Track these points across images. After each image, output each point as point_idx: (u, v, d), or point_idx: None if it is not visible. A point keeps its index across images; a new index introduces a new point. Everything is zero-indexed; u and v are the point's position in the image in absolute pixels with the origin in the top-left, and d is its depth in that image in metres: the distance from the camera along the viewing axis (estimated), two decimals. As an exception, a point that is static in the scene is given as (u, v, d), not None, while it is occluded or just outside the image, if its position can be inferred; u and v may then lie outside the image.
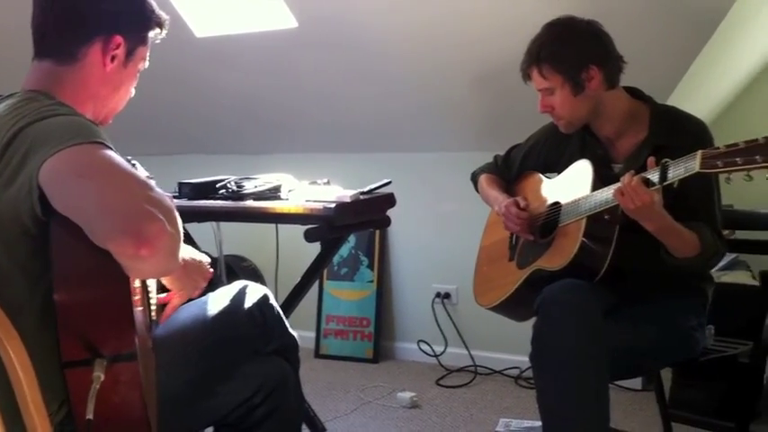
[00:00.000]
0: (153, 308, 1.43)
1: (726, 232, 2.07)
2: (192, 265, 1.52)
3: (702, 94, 3.31)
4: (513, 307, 2.22)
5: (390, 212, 3.79)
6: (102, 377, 1.15)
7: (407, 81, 3.38)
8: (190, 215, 2.40)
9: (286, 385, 1.70)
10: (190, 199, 2.41)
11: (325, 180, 2.43)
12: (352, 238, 3.93)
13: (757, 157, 1.61)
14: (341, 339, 3.90)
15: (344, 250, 3.94)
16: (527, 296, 2.03)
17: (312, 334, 3.96)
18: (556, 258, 2.04)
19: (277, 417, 1.67)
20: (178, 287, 1.51)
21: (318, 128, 3.83)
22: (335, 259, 3.96)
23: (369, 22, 3.19)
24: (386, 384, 3.44)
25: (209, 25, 3.53)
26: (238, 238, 3.79)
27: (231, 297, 1.69)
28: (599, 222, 1.96)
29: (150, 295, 1.41)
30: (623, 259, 1.94)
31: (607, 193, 1.92)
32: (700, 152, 1.68)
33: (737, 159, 1.63)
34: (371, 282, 3.87)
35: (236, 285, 1.75)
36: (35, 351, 1.19)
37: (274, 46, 3.47)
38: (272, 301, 1.76)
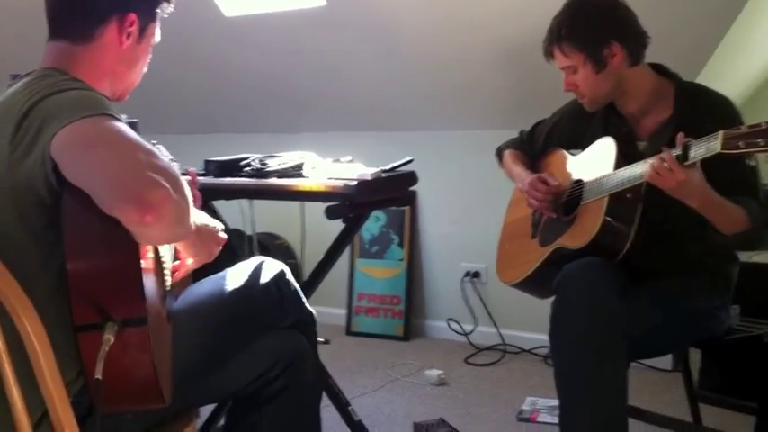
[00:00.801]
0: (167, 279, 1.46)
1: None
2: (205, 231, 1.53)
3: (732, 72, 3.24)
4: (535, 284, 2.22)
5: (420, 191, 3.83)
6: (112, 339, 1.18)
7: (434, 60, 3.38)
8: (215, 192, 2.45)
9: (302, 359, 1.72)
10: (216, 176, 2.43)
11: (349, 158, 2.43)
12: (382, 217, 3.95)
13: None
14: (372, 317, 3.93)
15: (375, 229, 3.97)
16: (549, 274, 2.02)
17: (343, 311, 4.00)
18: (577, 237, 2.03)
19: (293, 390, 1.69)
20: (192, 253, 1.53)
21: (345, 106, 3.84)
22: (366, 237, 3.98)
23: (396, 1, 3.19)
24: (414, 362, 3.46)
25: (238, 4, 3.55)
26: (271, 216, 3.82)
27: (248, 273, 1.72)
28: (621, 201, 1.94)
29: (164, 266, 1.43)
30: (645, 238, 1.92)
31: (629, 171, 1.90)
32: (721, 132, 1.65)
33: (759, 140, 1.60)
34: (402, 260, 3.89)
35: (254, 261, 1.77)
36: (51, 320, 1.23)
37: (302, 25, 3.49)
38: (289, 276, 1.78)
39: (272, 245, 4.11)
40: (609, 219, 1.95)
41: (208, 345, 1.58)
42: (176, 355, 1.49)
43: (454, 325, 3.76)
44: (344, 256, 3.99)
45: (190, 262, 1.56)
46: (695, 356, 2.86)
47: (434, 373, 3.20)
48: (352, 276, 4.01)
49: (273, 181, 2.30)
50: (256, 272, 1.73)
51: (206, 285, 1.69)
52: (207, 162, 2.49)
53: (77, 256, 1.20)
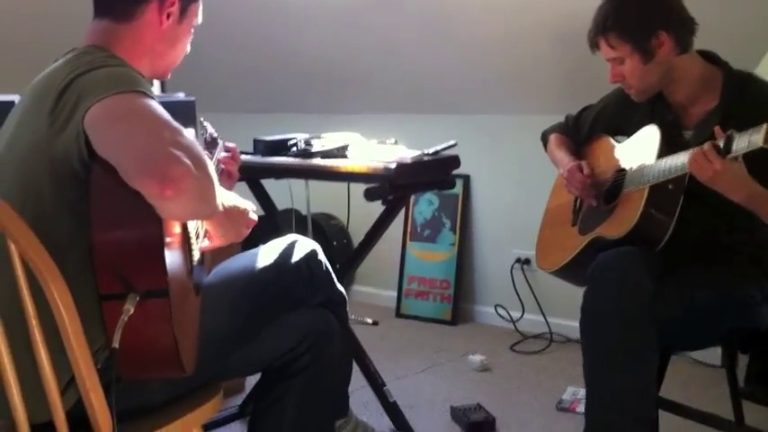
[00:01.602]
0: (195, 254, 1.49)
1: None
2: (235, 212, 1.54)
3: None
4: (572, 273, 2.20)
5: (473, 176, 3.82)
6: (132, 310, 1.23)
7: (488, 43, 3.36)
8: (262, 170, 2.51)
9: (331, 336, 1.76)
10: (263, 155, 2.48)
11: (393, 140, 2.45)
12: (435, 201, 3.95)
13: None
14: (421, 300, 3.94)
15: (428, 212, 3.98)
16: (587, 262, 1.99)
17: (394, 293, 4.03)
18: (616, 227, 2.01)
19: (320, 365, 1.73)
20: (221, 233, 1.55)
21: (398, 89, 3.84)
22: (419, 221, 4.00)
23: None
24: (460, 347, 3.46)
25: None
26: (329, 197, 3.87)
27: (280, 251, 1.76)
28: (662, 192, 1.91)
29: (192, 242, 1.47)
30: (686, 229, 1.89)
31: (671, 161, 1.87)
32: (765, 126, 1.61)
33: None
34: (453, 244, 3.89)
35: (287, 239, 1.81)
36: (82, 289, 1.28)
37: (356, 6, 3.51)
38: (321, 256, 1.82)
39: (327, 225, 4.16)
40: (649, 209, 1.92)
41: (237, 319, 1.63)
42: (206, 328, 1.54)
43: (502, 311, 3.75)
44: (397, 240, 4.03)
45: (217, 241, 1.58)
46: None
47: (477, 358, 3.20)
48: (404, 259, 4.02)
49: (317, 161, 2.34)
50: (288, 250, 1.77)
51: (239, 261, 1.74)
52: (256, 141, 2.55)
53: (103, 227, 1.25)
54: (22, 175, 1.38)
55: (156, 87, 3.03)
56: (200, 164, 1.25)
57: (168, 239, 1.28)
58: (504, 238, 3.76)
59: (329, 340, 1.75)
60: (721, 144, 1.72)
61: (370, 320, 3.85)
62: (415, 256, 4.01)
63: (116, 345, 1.22)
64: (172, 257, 1.29)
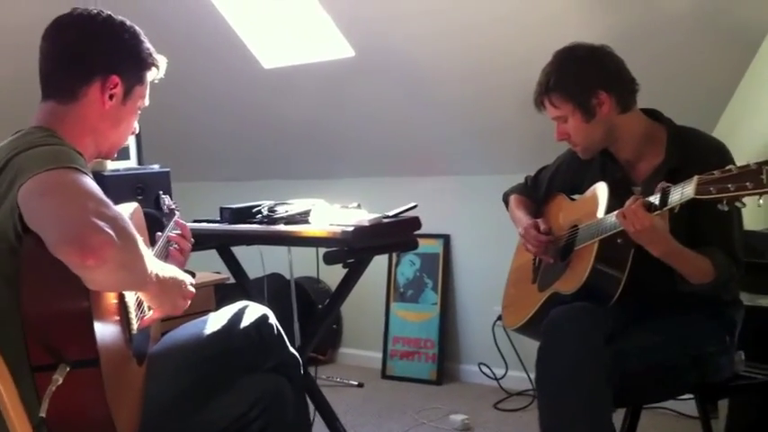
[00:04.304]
0: (134, 323, 1.52)
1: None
2: (170, 284, 1.50)
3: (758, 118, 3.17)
4: (534, 329, 2.20)
5: (454, 235, 3.85)
6: (60, 380, 1.24)
7: (460, 105, 3.43)
8: (229, 238, 2.55)
9: (283, 401, 1.77)
10: (230, 223, 2.53)
11: (355, 204, 2.49)
12: (416, 261, 3.98)
13: (748, 183, 1.59)
14: (407, 361, 3.94)
15: (410, 273, 4.00)
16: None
17: (379, 355, 4.02)
18: (569, 282, 2.04)
19: (273, 430, 1.74)
20: (156, 304, 1.52)
21: (377, 152, 3.91)
22: (401, 281, 4.02)
23: (420, 49, 3.28)
24: (443, 406, 3.45)
25: (276, 56, 3.70)
26: (314, 260, 3.90)
27: (229, 317, 1.78)
28: (612, 245, 1.94)
29: (129, 310, 1.49)
30: (641, 281, 1.91)
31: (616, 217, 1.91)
32: (696, 177, 1.65)
33: (729, 186, 1.60)
34: (435, 304, 3.90)
35: (237, 305, 1.83)
36: (21, 361, 1.31)
37: (335, 74, 3.60)
38: (272, 320, 1.83)
39: (312, 289, 4.18)
40: (599, 264, 1.95)
41: (184, 385, 1.64)
42: (151, 396, 1.55)
43: (486, 369, 3.74)
44: (381, 300, 4.05)
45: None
46: (724, 402, 2.78)
47: (459, 418, 3.18)
48: (388, 320, 4.03)
49: (280, 227, 2.38)
50: (237, 315, 1.79)
51: (187, 329, 1.76)
52: (222, 209, 2.59)
53: (32, 299, 1.27)
54: None
55: (132, 160, 3.09)
56: (124, 235, 1.28)
57: (99, 309, 1.31)
58: (485, 295, 3.76)
59: (281, 404, 1.76)
60: (657, 199, 1.76)
61: (355, 382, 3.84)
62: (399, 317, 4.02)
63: (43, 414, 1.23)
64: (104, 327, 1.31)
